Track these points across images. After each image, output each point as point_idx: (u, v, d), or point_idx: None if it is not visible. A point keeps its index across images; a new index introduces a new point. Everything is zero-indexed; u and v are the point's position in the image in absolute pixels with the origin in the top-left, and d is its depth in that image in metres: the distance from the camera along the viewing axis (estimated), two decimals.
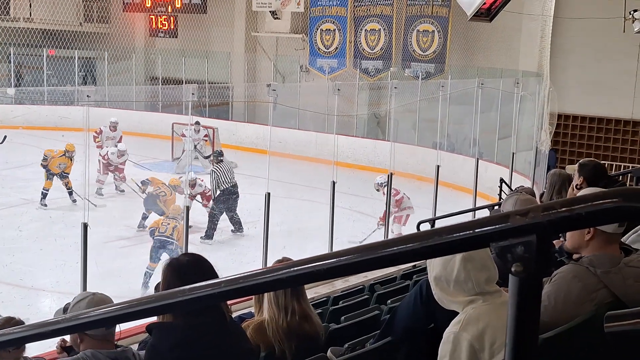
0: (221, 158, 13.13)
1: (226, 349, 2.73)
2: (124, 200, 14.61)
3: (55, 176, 13.84)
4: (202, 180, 12.98)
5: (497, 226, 1.10)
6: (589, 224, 1.21)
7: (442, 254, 1.68)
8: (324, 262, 1.34)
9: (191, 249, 9.54)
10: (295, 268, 1.40)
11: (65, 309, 3.26)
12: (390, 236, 11.48)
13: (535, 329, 1.12)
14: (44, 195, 13.72)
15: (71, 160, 13.78)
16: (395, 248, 1.21)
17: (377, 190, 12.62)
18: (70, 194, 13.86)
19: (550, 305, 2.55)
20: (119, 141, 16.01)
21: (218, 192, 12.51)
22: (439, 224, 10.17)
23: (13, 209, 13.33)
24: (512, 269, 1.08)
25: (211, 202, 12.62)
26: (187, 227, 9.46)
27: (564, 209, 1.05)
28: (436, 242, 1.17)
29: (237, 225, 12.52)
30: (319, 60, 22.02)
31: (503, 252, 1.10)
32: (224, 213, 12.45)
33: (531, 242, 1.06)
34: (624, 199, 1.01)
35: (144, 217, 12.46)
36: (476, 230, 1.14)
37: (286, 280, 1.45)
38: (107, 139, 16.34)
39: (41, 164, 13.85)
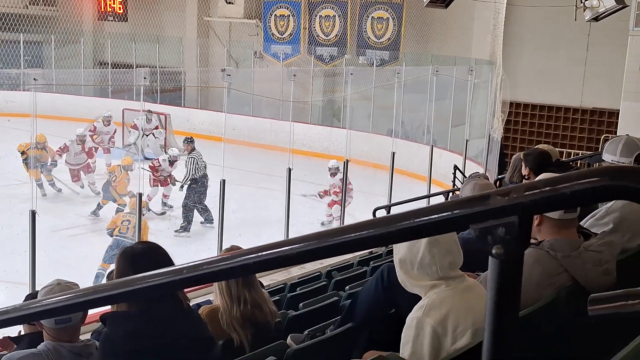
0: (193, 145, 12.50)
1: (184, 338, 2.67)
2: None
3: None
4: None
5: (477, 207, 1.05)
6: (573, 203, 1.17)
7: (420, 236, 1.63)
8: (294, 246, 1.28)
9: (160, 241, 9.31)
10: (262, 253, 1.34)
11: (30, 298, 3.17)
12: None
13: (516, 311, 1.09)
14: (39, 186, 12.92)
15: (45, 150, 13.40)
16: (372, 230, 1.16)
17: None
18: (53, 184, 13.54)
19: None
20: (113, 136, 15.53)
21: (188, 181, 12.13)
22: (394, 210, 10.20)
23: None
24: (493, 251, 1.04)
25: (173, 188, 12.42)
26: (140, 216, 9.21)
27: (547, 187, 1.01)
28: (415, 224, 1.12)
29: (208, 215, 12.09)
30: (274, 46, 21.84)
31: (483, 234, 1.05)
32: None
33: (513, 223, 1.02)
34: (610, 178, 0.97)
35: (99, 207, 12.25)
36: (455, 212, 1.09)
37: (252, 266, 1.39)
38: (101, 134, 15.57)
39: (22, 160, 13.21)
